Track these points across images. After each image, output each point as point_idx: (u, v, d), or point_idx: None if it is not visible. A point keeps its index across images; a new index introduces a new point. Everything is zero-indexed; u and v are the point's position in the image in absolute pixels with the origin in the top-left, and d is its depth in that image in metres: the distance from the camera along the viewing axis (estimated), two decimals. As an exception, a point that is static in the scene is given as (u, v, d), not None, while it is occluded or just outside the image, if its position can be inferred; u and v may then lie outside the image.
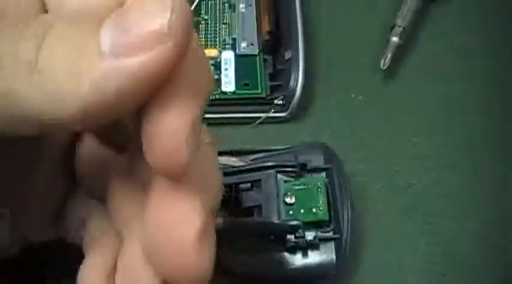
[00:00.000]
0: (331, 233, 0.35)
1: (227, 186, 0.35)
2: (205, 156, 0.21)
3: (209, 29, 0.44)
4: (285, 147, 0.38)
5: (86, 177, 0.24)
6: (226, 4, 0.45)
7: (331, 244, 0.35)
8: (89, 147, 0.24)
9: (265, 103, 0.41)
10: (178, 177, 0.18)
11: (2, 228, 0.23)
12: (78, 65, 0.16)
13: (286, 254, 0.34)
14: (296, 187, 0.35)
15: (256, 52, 0.42)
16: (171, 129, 0.17)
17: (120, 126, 0.23)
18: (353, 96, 0.43)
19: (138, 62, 0.16)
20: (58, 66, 0.16)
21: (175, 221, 0.19)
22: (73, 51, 0.17)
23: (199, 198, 0.19)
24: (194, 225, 0.19)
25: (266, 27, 0.42)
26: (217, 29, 0.44)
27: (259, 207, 0.34)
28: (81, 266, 0.22)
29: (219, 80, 0.41)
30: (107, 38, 0.16)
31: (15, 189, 0.23)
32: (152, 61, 0.16)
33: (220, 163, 0.36)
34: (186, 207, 0.19)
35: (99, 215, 0.23)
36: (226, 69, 0.42)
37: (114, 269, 0.21)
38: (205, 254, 0.19)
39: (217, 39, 0.43)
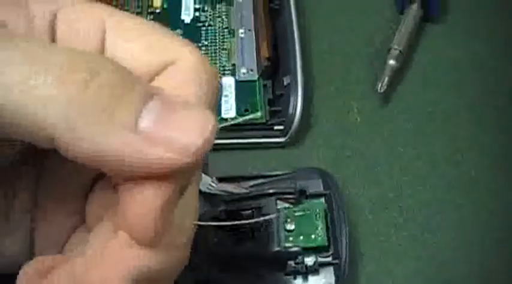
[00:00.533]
0: (330, 258, 0.36)
1: (229, 213, 0.36)
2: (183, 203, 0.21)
3: (209, 54, 0.44)
4: (284, 172, 0.39)
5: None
6: (226, 30, 0.46)
7: (331, 269, 0.36)
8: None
9: (265, 128, 0.42)
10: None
11: (14, 242, 0.24)
12: (110, 126, 0.18)
13: (286, 279, 0.35)
14: (295, 214, 0.36)
15: (256, 78, 0.43)
16: (142, 211, 0.19)
17: None
18: (351, 119, 0.44)
19: (154, 156, 0.18)
20: (87, 111, 0.18)
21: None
22: (111, 111, 0.18)
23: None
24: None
25: (265, 53, 0.43)
26: (217, 54, 0.45)
27: (260, 233, 0.35)
28: None
29: (219, 106, 0.42)
30: (147, 118, 0.18)
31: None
32: (164, 161, 0.18)
33: (221, 190, 0.37)
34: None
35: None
36: (226, 95, 0.42)
37: None
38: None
39: (217, 65, 0.44)
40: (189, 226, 0.22)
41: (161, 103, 0.19)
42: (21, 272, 0.21)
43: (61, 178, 0.24)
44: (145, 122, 0.18)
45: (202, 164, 0.22)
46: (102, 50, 0.21)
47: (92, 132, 0.18)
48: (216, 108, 0.23)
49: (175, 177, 0.19)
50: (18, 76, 0.18)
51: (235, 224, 0.36)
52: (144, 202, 0.19)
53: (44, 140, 0.18)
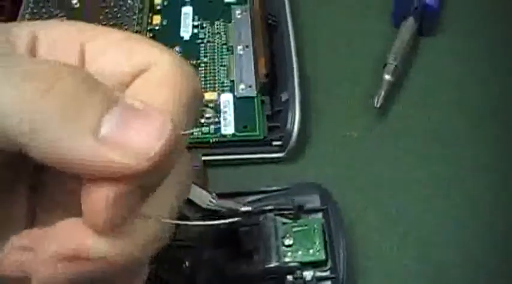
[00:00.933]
0: (328, 273, 0.36)
1: (228, 229, 0.37)
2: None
3: (208, 71, 0.45)
4: (282, 188, 0.39)
5: None
6: (224, 46, 0.47)
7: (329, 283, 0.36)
8: None
9: (264, 144, 0.42)
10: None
11: None
12: (71, 130, 0.19)
13: (285, 294, 0.36)
14: (294, 229, 0.36)
15: (254, 94, 0.44)
16: (94, 202, 0.19)
17: None
18: (348, 133, 0.44)
19: (113, 160, 0.19)
20: (52, 115, 0.19)
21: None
22: (72, 108, 0.19)
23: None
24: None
25: (263, 69, 0.44)
26: (216, 71, 0.45)
27: (258, 249, 0.36)
28: None
29: (218, 123, 0.42)
30: (108, 124, 0.19)
31: None
32: (121, 166, 0.19)
33: (220, 206, 0.38)
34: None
35: None
36: (225, 112, 0.43)
37: None
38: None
39: (216, 81, 0.45)
40: (156, 223, 0.22)
41: (122, 109, 0.19)
42: None
43: (57, 186, 0.24)
44: (106, 127, 0.19)
45: (172, 166, 0.21)
46: (82, 66, 0.22)
47: (54, 136, 0.18)
48: (197, 111, 0.24)
49: (134, 177, 0.19)
50: None
51: (233, 241, 0.36)
52: (97, 194, 0.19)
53: (11, 146, 0.19)
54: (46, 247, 0.20)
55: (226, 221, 0.33)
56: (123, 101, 0.20)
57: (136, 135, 0.19)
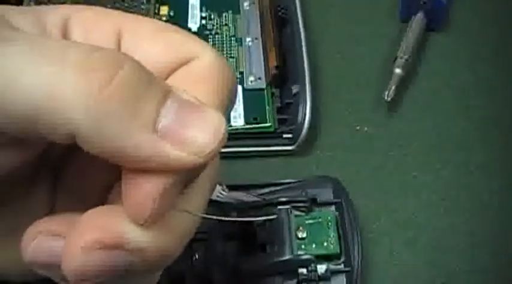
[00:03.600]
0: (342, 266, 0.36)
1: (241, 222, 0.36)
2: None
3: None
4: (295, 181, 0.39)
5: None
6: (233, 38, 0.46)
7: (343, 277, 0.36)
8: None
9: (274, 137, 0.42)
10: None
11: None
12: (129, 118, 0.18)
13: (298, 287, 0.35)
14: (307, 222, 0.36)
15: (264, 86, 0.43)
16: (142, 194, 0.19)
17: None
18: (358, 128, 0.44)
19: (171, 155, 0.18)
20: (112, 109, 0.18)
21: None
22: (132, 99, 0.18)
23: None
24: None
25: (273, 61, 0.43)
26: (225, 63, 0.45)
27: (272, 241, 0.35)
28: None
29: (228, 114, 0.42)
30: (165, 117, 0.19)
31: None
32: (179, 161, 0.19)
33: (233, 199, 0.37)
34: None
35: None
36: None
37: None
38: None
39: (226, 73, 0.44)
40: (192, 217, 0.22)
41: (178, 103, 0.19)
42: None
43: (80, 178, 0.24)
44: (164, 121, 0.19)
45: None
46: None
47: (113, 128, 0.18)
48: (233, 107, 0.24)
49: (184, 171, 0.19)
50: (42, 73, 0.18)
51: (246, 234, 0.36)
52: (145, 187, 0.19)
53: (64, 136, 0.18)
54: (81, 233, 0.19)
55: (261, 218, 0.33)
56: (178, 95, 0.19)
57: (195, 131, 0.19)
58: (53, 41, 0.19)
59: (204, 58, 0.22)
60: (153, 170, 0.19)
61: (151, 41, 0.22)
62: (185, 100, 0.19)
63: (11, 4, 0.23)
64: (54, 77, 0.18)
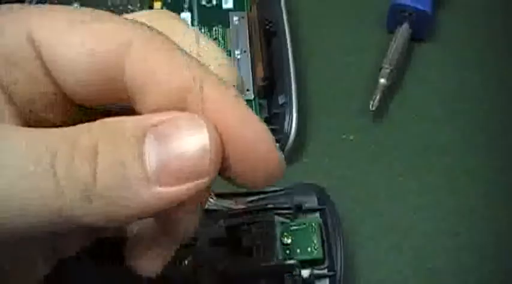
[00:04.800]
0: (325, 271, 0.37)
1: (228, 228, 0.37)
2: None
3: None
4: (280, 188, 0.40)
5: None
6: (222, 50, 0.47)
7: (326, 281, 0.37)
8: None
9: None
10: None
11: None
12: (127, 193, 0.19)
13: (283, 291, 0.37)
14: (292, 228, 0.37)
15: (252, 97, 0.45)
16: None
17: None
18: (344, 136, 0.45)
19: (178, 191, 0.19)
20: (112, 193, 0.19)
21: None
22: (121, 175, 0.19)
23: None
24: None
25: (261, 73, 0.45)
26: (215, 75, 0.46)
27: (258, 247, 0.37)
28: None
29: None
30: (152, 161, 0.19)
31: None
32: (189, 191, 0.19)
33: (221, 206, 0.38)
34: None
35: None
36: (224, 115, 0.44)
37: None
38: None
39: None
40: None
41: (155, 136, 0.19)
42: None
43: None
44: (151, 166, 0.19)
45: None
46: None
47: (117, 208, 0.19)
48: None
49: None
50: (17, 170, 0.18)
51: (233, 240, 0.37)
52: None
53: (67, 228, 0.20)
54: None
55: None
56: (153, 128, 0.19)
57: (182, 160, 0.19)
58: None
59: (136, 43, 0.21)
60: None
61: (69, 34, 0.21)
62: (160, 131, 0.19)
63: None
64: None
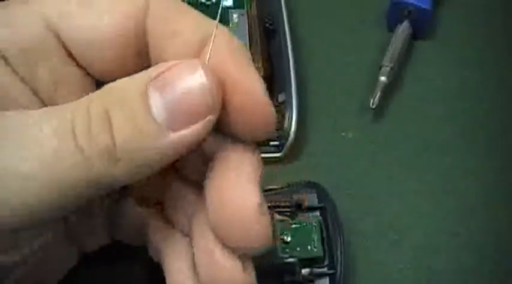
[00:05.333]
0: (325, 269, 0.37)
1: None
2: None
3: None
4: (280, 186, 0.40)
5: (137, 187, 0.27)
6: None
7: (326, 280, 0.37)
8: None
9: (261, 144, 0.43)
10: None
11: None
12: (145, 145, 0.20)
13: (283, 290, 0.36)
14: (292, 226, 0.37)
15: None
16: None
17: None
18: (343, 134, 0.45)
19: (190, 132, 0.20)
20: (131, 150, 0.20)
21: (238, 195, 0.22)
22: (136, 130, 0.20)
23: (254, 178, 0.22)
24: (254, 198, 0.22)
25: (260, 71, 0.45)
26: (214, 73, 0.46)
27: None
28: (166, 275, 0.25)
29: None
30: (159, 110, 0.20)
31: None
32: (199, 130, 0.21)
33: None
34: (246, 185, 0.22)
35: (155, 224, 0.26)
36: (223, 112, 0.44)
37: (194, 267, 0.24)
38: (266, 222, 0.22)
39: (214, 84, 0.45)
40: None
41: (157, 87, 0.20)
42: None
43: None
44: (160, 115, 0.20)
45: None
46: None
47: (140, 161, 0.20)
48: None
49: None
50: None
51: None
52: None
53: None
54: None
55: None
56: (156, 79, 0.21)
57: (188, 104, 0.20)
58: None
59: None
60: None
61: (85, 11, 0.22)
62: (162, 80, 0.20)
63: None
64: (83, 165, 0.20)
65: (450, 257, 0.40)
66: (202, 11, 0.48)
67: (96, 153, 0.20)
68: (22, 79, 0.22)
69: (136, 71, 0.22)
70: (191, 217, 0.24)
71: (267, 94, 0.22)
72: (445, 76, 0.48)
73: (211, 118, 0.20)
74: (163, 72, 0.21)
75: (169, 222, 0.25)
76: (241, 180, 0.22)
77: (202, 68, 0.20)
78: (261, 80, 0.22)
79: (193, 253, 0.23)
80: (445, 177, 0.44)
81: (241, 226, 0.21)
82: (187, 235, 0.24)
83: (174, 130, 0.20)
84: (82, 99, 0.21)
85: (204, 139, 0.21)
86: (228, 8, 0.50)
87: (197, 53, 0.22)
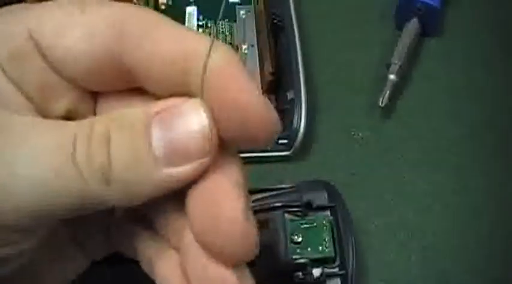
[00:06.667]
0: (337, 270, 0.36)
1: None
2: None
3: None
4: (290, 185, 0.39)
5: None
6: (229, 45, 0.46)
7: (337, 280, 0.36)
8: None
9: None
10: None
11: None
12: (139, 174, 0.21)
13: (294, 290, 0.36)
14: (302, 226, 0.37)
15: (260, 92, 0.44)
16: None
17: None
18: (352, 133, 0.45)
19: (186, 170, 0.21)
20: (126, 176, 0.21)
21: (220, 202, 0.21)
22: (133, 158, 0.21)
23: (236, 184, 0.22)
24: (239, 203, 0.21)
25: (269, 68, 0.44)
26: (222, 70, 0.45)
27: (268, 245, 0.36)
28: None
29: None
30: (159, 144, 0.21)
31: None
32: (195, 169, 0.21)
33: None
34: (228, 190, 0.22)
35: (145, 239, 0.26)
36: (231, 110, 0.43)
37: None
38: (251, 229, 0.22)
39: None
40: None
41: (159, 122, 0.21)
42: None
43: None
44: (158, 149, 0.21)
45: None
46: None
47: (132, 187, 0.21)
48: None
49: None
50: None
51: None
52: None
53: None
54: None
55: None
56: (157, 114, 0.21)
57: (187, 140, 0.21)
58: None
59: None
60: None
61: (65, 27, 0.22)
62: (163, 118, 0.21)
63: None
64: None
65: (459, 258, 0.40)
66: (207, 6, 0.48)
67: (92, 171, 0.20)
68: (13, 81, 0.22)
69: (129, 85, 0.23)
70: (180, 231, 0.24)
71: (267, 105, 0.22)
72: (453, 73, 0.48)
73: (206, 160, 0.21)
74: (166, 109, 0.21)
75: (158, 236, 0.25)
76: (222, 185, 0.22)
77: (203, 112, 0.21)
78: (260, 94, 0.22)
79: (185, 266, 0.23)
80: (454, 176, 0.43)
81: (224, 233, 0.21)
82: (177, 248, 0.24)
83: (169, 166, 0.21)
84: (87, 119, 0.22)
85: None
86: (235, 4, 0.49)
87: (184, 69, 0.21)
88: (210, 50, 0.21)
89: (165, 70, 0.21)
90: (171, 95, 0.22)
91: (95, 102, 0.24)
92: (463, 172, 0.43)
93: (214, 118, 0.21)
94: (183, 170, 0.21)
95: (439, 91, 0.47)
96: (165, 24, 0.22)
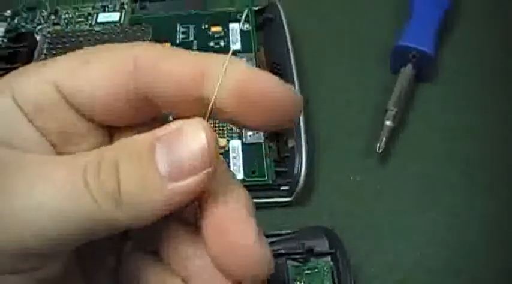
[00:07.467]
0: (337, 315, 0.38)
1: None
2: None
3: (217, 123, 0.47)
4: (291, 231, 0.41)
5: (137, 231, 0.27)
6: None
7: (338, 325, 0.38)
8: None
9: (272, 189, 0.44)
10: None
11: None
12: (148, 192, 0.22)
13: (296, 334, 0.37)
14: (304, 272, 0.38)
15: (262, 140, 0.46)
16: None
17: None
18: (351, 177, 0.46)
19: (189, 183, 0.22)
20: (135, 197, 0.22)
21: (234, 229, 0.23)
22: (141, 181, 0.22)
23: (245, 209, 0.24)
24: (250, 228, 0.24)
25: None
26: (225, 120, 0.47)
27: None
28: None
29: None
30: (164, 164, 0.22)
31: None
32: (198, 182, 0.22)
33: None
34: (239, 216, 0.24)
35: (155, 270, 0.27)
36: (234, 157, 0.45)
37: None
38: (265, 248, 0.24)
39: (225, 129, 0.47)
40: None
41: (162, 145, 0.22)
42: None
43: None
44: (164, 169, 0.22)
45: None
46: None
47: (142, 208, 0.22)
48: None
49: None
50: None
51: None
52: None
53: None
54: None
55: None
56: (160, 139, 0.23)
57: (189, 157, 0.22)
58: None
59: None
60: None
61: (83, 74, 0.24)
62: (166, 139, 0.22)
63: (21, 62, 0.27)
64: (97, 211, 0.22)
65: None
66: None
67: (103, 196, 0.22)
68: (37, 129, 0.24)
69: (145, 116, 0.25)
70: (187, 260, 0.25)
71: (291, 88, 0.24)
72: (447, 117, 0.50)
73: (209, 171, 0.22)
74: (167, 133, 0.23)
75: (165, 265, 0.27)
76: (238, 212, 0.24)
77: (202, 129, 0.22)
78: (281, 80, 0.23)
79: None
80: (449, 215, 0.44)
81: (242, 255, 0.23)
82: (184, 278, 0.26)
83: (175, 181, 0.22)
84: (95, 150, 0.23)
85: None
86: (237, 51, 0.51)
87: (196, 84, 0.23)
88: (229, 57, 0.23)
89: (181, 87, 0.23)
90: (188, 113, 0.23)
91: (111, 136, 0.26)
92: (458, 211, 0.45)
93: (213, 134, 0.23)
94: (187, 183, 0.22)
95: (434, 132, 0.49)
96: (177, 50, 0.24)
